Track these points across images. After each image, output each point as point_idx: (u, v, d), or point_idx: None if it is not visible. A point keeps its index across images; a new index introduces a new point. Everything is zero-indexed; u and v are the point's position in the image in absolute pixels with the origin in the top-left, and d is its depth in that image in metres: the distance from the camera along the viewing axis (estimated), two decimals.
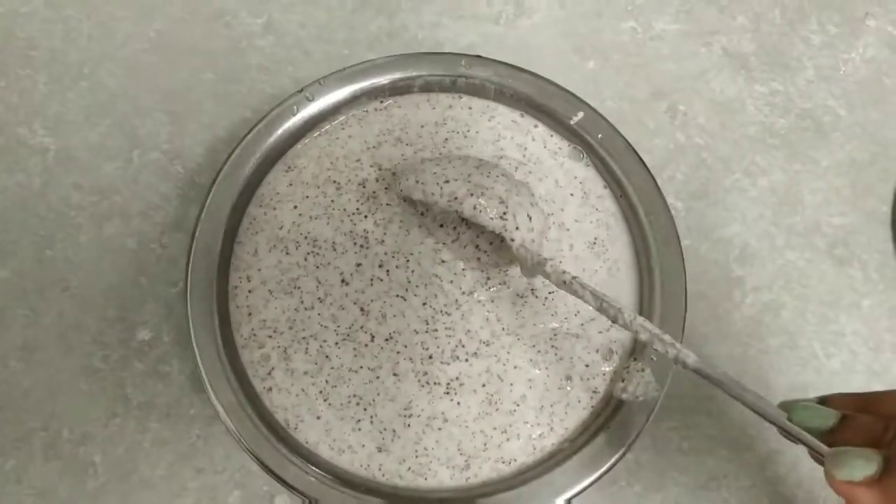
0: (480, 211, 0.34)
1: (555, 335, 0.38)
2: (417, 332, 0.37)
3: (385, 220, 0.39)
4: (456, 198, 0.35)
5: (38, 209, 0.44)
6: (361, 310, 0.38)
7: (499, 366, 0.37)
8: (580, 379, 0.37)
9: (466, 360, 0.37)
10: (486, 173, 0.36)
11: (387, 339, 0.37)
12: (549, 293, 0.39)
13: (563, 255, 0.40)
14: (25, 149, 0.45)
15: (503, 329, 0.38)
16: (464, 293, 0.38)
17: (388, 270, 0.38)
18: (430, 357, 0.37)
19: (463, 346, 0.37)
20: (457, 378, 0.37)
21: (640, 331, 0.32)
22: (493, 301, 0.38)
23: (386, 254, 0.39)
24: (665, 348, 0.31)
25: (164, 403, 0.41)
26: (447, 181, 0.36)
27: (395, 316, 0.37)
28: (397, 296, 0.38)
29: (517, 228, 0.34)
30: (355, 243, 0.39)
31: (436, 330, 0.37)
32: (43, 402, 0.40)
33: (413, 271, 0.38)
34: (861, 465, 0.24)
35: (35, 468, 0.39)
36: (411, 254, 0.38)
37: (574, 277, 0.33)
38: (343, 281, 0.38)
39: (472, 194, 0.34)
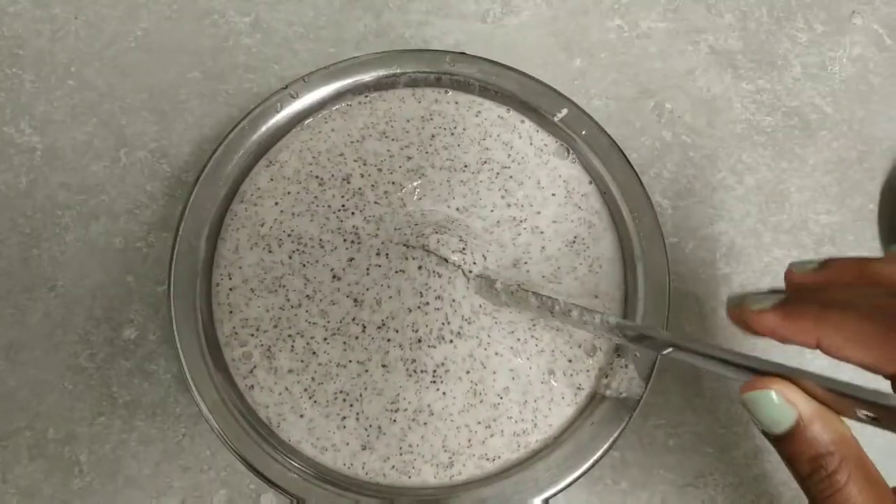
0: (443, 245, 0.38)
1: (533, 325, 0.38)
2: (411, 311, 0.37)
3: (375, 218, 0.39)
4: (423, 234, 0.38)
5: (24, 208, 0.44)
6: (355, 301, 0.38)
7: (480, 350, 0.37)
8: (563, 374, 0.37)
9: (451, 342, 0.37)
10: (451, 221, 0.40)
11: (379, 327, 0.37)
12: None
13: (532, 256, 0.40)
14: (12, 148, 0.45)
15: (481, 306, 0.38)
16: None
17: (387, 254, 0.39)
18: (419, 341, 0.37)
19: (448, 323, 0.37)
20: (443, 364, 0.37)
21: (571, 310, 0.35)
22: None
23: (383, 243, 0.39)
24: (593, 317, 0.34)
25: (150, 402, 0.41)
26: (416, 224, 0.39)
27: (391, 297, 0.38)
28: (397, 272, 0.38)
29: (475, 263, 0.38)
30: (345, 240, 0.39)
31: (427, 304, 0.37)
32: (28, 400, 0.40)
33: (410, 244, 0.39)
34: (769, 298, 0.28)
35: (20, 467, 0.39)
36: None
37: (520, 285, 0.37)
38: (335, 277, 0.38)
39: (436, 232, 0.38)
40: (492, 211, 0.40)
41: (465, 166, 0.41)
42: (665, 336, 0.32)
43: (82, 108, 0.46)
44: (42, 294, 0.42)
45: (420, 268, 0.38)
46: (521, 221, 0.40)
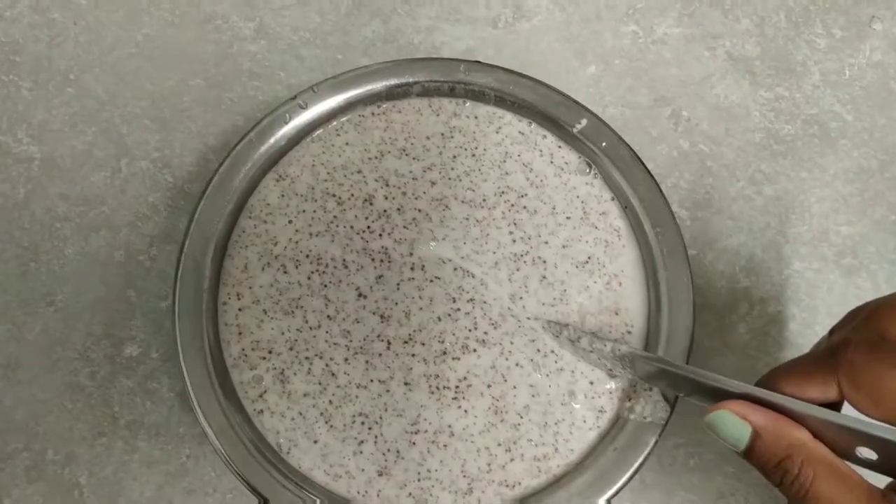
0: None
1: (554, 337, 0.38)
2: (440, 319, 0.37)
3: (408, 241, 0.38)
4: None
5: (22, 220, 0.43)
6: (381, 317, 0.37)
7: (502, 360, 0.36)
8: (585, 396, 0.36)
9: (475, 351, 0.36)
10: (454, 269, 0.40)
11: (405, 342, 0.36)
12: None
13: (528, 289, 0.38)
14: (9, 158, 0.44)
15: (509, 308, 0.37)
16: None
17: (423, 266, 0.38)
18: (444, 353, 0.36)
19: (476, 328, 0.37)
20: (465, 378, 0.36)
21: (581, 337, 0.36)
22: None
23: (420, 258, 0.38)
24: (604, 344, 0.35)
25: (153, 422, 0.39)
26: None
27: (421, 309, 0.37)
28: (432, 280, 0.37)
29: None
30: (373, 259, 0.38)
31: (458, 310, 0.37)
32: (26, 420, 0.39)
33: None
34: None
35: (18, 490, 0.38)
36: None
37: (529, 316, 0.38)
38: (360, 295, 0.37)
39: None
40: (493, 252, 0.39)
41: (484, 200, 0.40)
42: (678, 366, 0.32)
43: (81, 117, 0.45)
44: (40, 309, 0.41)
45: (456, 269, 0.38)
46: (523, 255, 0.39)
